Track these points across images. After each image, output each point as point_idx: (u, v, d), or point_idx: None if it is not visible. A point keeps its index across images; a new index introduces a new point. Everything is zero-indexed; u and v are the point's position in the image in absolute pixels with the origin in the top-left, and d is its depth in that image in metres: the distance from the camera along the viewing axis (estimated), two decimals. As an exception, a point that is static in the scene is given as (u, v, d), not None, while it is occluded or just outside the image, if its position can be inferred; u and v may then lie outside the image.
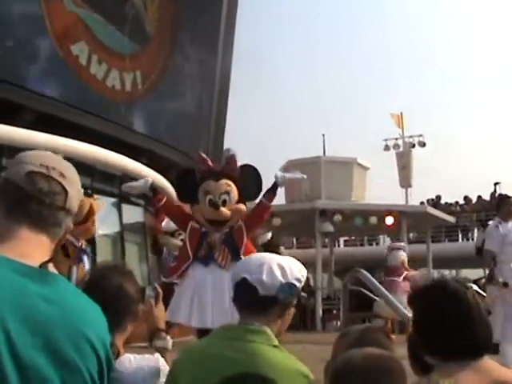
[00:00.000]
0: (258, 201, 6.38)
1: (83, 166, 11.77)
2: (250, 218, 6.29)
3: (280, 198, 19.35)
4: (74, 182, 1.66)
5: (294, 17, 78.39)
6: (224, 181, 6.08)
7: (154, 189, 6.63)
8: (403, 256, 12.88)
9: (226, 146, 19.79)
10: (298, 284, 2.32)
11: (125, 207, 13.43)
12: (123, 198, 13.39)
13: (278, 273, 2.27)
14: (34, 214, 1.57)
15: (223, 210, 6.00)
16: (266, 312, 2.28)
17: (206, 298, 5.74)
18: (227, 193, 6.07)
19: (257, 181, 6.35)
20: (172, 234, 10.90)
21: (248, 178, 6.24)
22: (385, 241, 24.73)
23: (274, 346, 2.23)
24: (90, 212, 6.70)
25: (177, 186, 6.68)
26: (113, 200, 13.38)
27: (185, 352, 2.42)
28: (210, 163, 6.25)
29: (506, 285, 7.32)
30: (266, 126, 66.28)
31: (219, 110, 18.89)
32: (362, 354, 1.92)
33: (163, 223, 9.74)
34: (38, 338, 1.43)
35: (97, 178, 12.60)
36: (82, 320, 1.53)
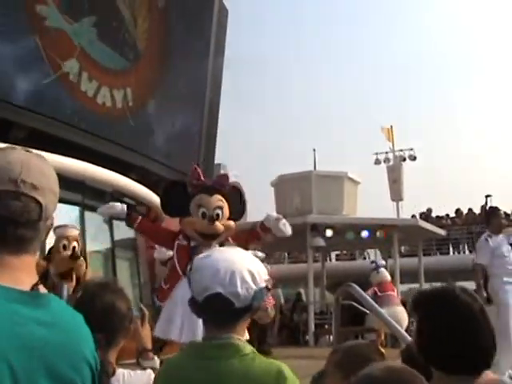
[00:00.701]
0: (253, 228, 6.44)
1: (74, 183, 11.79)
2: (240, 240, 6.30)
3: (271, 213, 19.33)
4: (48, 188, 1.58)
5: (285, 29, 78.76)
6: (217, 196, 6.13)
7: (129, 212, 6.52)
8: (387, 273, 13.26)
9: (216, 161, 19.90)
10: (266, 285, 2.24)
11: (116, 223, 13.41)
12: (114, 215, 13.37)
13: (250, 281, 2.17)
14: (10, 237, 1.51)
15: (217, 223, 6.03)
16: (237, 322, 2.21)
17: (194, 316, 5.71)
18: (220, 208, 6.11)
19: (242, 201, 6.43)
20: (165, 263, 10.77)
21: (234, 198, 6.31)
22: (376, 255, 24.76)
23: (244, 355, 2.15)
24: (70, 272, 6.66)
25: (164, 198, 6.61)
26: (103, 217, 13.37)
27: (162, 372, 2.36)
28: (202, 178, 6.29)
29: (488, 301, 7.32)
30: (257, 140, 66.39)
31: (210, 126, 18.92)
32: (383, 366, 1.90)
33: (155, 253, 9.57)
34: (38, 364, 1.42)
35: (87, 194, 12.59)
36: (78, 339, 1.52)
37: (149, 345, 2.91)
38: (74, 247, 6.80)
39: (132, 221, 6.38)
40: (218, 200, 6.13)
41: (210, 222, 5.98)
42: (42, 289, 1.53)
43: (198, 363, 2.16)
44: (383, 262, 14.04)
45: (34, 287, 1.49)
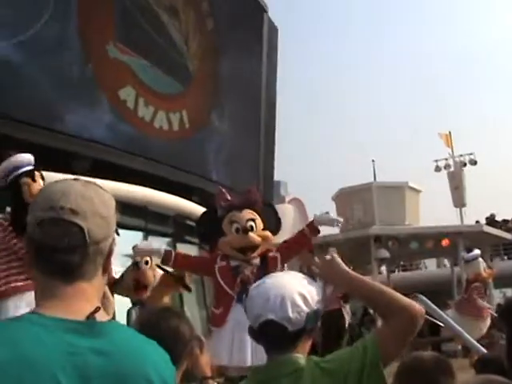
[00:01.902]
0: (300, 232, 6.31)
1: (136, 208, 11.97)
2: (288, 247, 6.22)
3: (334, 228, 19.25)
4: (91, 212, 1.57)
5: (347, 45, 78.63)
6: (247, 210, 6.09)
7: (166, 251, 6.43)
8: (482, 263, 11.73)
9: (276, 178, 19.93)
10: (320, 306, 2.27)
11: (180, 246, 13.52)
12: (177, 237, 13.51)
13: (301, 304, 2.21)
14: (58, 264, 1.52)
15: (252, 234, 5.98)
16: (296, 345, 2.24)
17: (244, 337, 5.60)
18: (252, 220, 6.06)
19: (276, 216, 6.38)
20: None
21: (268, 214, 6.27)
22: (444, 263, 24.39)
23: (300, 367, 2.18)
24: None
25: (198, 229, 6.62)
26: (167, 240, 13.50)
27: None
28: (229, 197, 6.26)
29: None
30: (315, 154, 66.24)
31: (267, 144, 18.96)
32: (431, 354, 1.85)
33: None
34: None
35: (150, 219, 12.75)
36: (142, 366, 1.50)
37: (209, 372, 2.92)
38: (147, 261, 6.89)
39: (167, 260, 6.25)
40: (249, 213, 6.09)
41: (244, 232, 5.94)
42: (101, 316, 1.52)
43: None
44: (470, 255, 12.43)
45: (90, 315, 1.49)
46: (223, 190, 6.40)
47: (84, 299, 1.53)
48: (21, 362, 1.37)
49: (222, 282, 5.94)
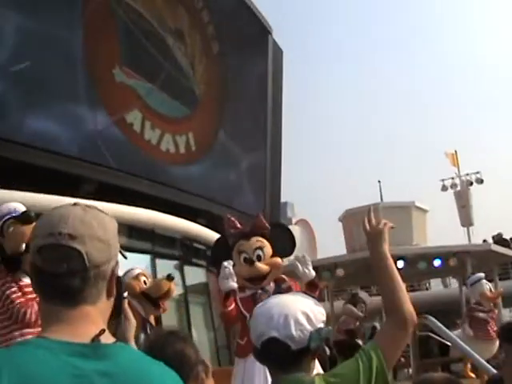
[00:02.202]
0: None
1: (143, 231, 11.99)
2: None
3: (341, 248, 19.27)
4: (89, 235, 1.58)
5: (345, 60, 78.90)
6: (255, 238, 6.06)
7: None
8: (487, 284, 11.50)
9: (283, 199, 19.95)
10: (323, 326, 2.27)
11: (187, 269, 13.54)
12: (185, 260, 13.51)
13: (305, 323, 2.22)
14: (59, 289, 1.54)
15: (258, 264, 5.95)
16: (299, 364, 2.24)
17: (254, 373, 5.55)
18: (260, 248, 6.04)
19: (289, 236, 6.35)
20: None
21: (279, 236, 6.24)
22: (450, 283, 24.29)
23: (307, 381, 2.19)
24: (166, 295, 6.74)
25: (212, 258, 6.61)
26: (175, 262, 13.51)
27: None
28: (238, 225, 6.24)
29: None
30: (321, 176, 66.28)
31: (274, 167, 19.00)
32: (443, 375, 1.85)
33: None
34: None
35: (157, 241, 12.78)
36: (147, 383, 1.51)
37: None
38: (145, 281, 6.90)
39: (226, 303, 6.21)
40: (257, 241, 6.06)
41: (250, 264, 5.93)
42: (106, 338, 1.53)
43: None
44: (474, 277, 12.45)
45: (95, 338, 1.50)
46: (231, 218, 6.38)
47: (89, 322, 1.54)
48: (30, 382, 1.37)
49: (245, 313, 5.89)
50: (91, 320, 1.55)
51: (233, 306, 6.01)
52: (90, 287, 1.57)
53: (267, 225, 6.30)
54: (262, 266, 5.95)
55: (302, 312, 2.24)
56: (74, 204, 1.68)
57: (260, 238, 6.06)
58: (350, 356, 2.27)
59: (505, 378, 2.16)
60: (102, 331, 1.53)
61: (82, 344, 1.48)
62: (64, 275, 1.53)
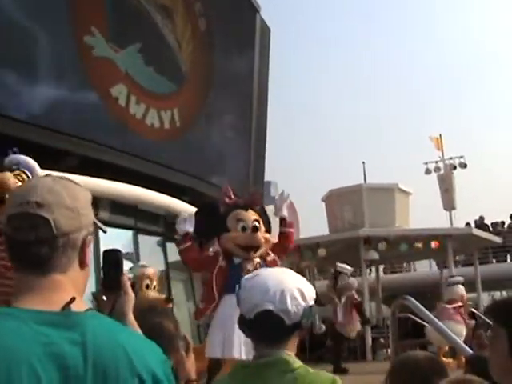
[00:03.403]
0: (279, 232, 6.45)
1: (126, 207, 11.95)
2: (279, 250, 6.32)
3: (324, 229, 19.34)
4: (56, 203, 1.58)
5: (331, 47, 78.73)
6: (251, 211, 6.20)
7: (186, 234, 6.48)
8: (461, 290, 12.51)
9: (266, 179, 19.95)
10: (313, 303, 2.27)
11: (170, 246, 13.53)
12: (167, 237, 13.51)
13: (299, 298, 2.21)
14: (28, 257, 1.54)
15: (259, 234, 6.07)
16: (287, 339, 2.23)
17: (234, 331, 5.66)
18: (257, 221, 6.17)
19: (267, 219, 6.49)
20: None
21: (264, 216, 6.38)
22: (431, 266, 24.48)
23: (295, 369, 2.17)
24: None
25: (201, 221, 6.64)
26: (157, 239, 13.51)
27: None
28: (234, 196, 6.37)
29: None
30: (305, 155, 66.33)
31: (258, 144, 18.99)
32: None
33: None
34: (76, 383, 1.43)
35: (140, 218, 12.75)
36: (119, 351, 1.51)
37: (193, 375, 2.90)
38: (148, 285, 6.98)
39: (185, 241, 6.35)
40: (254, 214, 6.21)
41: (252, 231, 6.01)
42: (78, 306, 1.53)
43: (249, 383, 2.18)
44: (455, 279, 13.34)
45: (65, 306, 1.50)
46: (228, 188, 6.49)
47: (60, 290, 1.55)
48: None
49: (214, 281, 6.00)
50: (62, 288, 1.55)
51: (189, 243, 6.21)
52: (59, 255, 1.57)
53: (262, 203, 6.44)
54: (260, 237, 6.06)
55: (297, 288, 2.23)
56: (46, 175, 1.68)
57: (257, 212, 6.20)
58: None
59: (490, 357, 2.15)
60: (73, 299, 1.53)
61: (52, 312, 1.48)
62: (33, 243, 1.53)
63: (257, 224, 6.15)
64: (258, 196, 6.52)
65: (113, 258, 1.97)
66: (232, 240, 6.11)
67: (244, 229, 6.09)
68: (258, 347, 2.26)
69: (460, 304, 12.12)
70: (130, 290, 1.96)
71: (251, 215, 6.20)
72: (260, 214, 6.29)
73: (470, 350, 5.32)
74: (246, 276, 2.39)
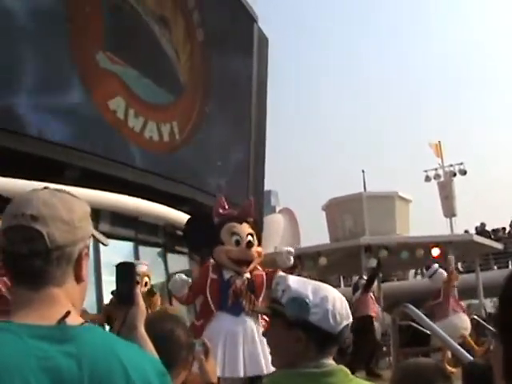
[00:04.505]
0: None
1: (127, 218, 11.96)
2: (270, 277, 6.21)
3: (324, 237, 19.34)
4: (51, 217, 1.56)
5: (333, 53, 78.88)
6: (246, 224, 6.16)
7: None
8: (442, 276, 12.15)
9: (266, 188, 19.95)
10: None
11: (170, 256, 13.54)
12: (168, 248, 13.51)
13: (346, 313, 2.16)
14: (22, 270, 1.54)
15: (253, 249, 6.04)
16: (334, 349, 2.18)
17: (237, 349, 5.64)
18: (251, 235, 6.13)
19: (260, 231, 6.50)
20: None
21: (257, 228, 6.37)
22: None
23: (352, 380, 2.12)
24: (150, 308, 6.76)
25: (188, 233, 6.62)
26: (158, 250, 13.50)
27: None
28: (228, 208, 6.33)
29: None
30: (306, 166, 66.41)
31: (257, 154, 18.99)
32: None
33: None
34: None
35: (141, 229, 12.75)
36: (115, 364, 1.50)
37: (214, 380, 2.88)
38: (146, 282, 6.91)
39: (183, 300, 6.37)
40: (249, 228, 6.16)
41: (247, 247, 5.98)
42: (74, 319, 1.53)
43: None
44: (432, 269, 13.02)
45: (61, 320, 1.50)
46: (223, 199, 6.45)
47: (55, 304, 1.54)
48: None
49: (209, 296, 5.94)
50: (57, 302, 1.55)
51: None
52: (53, 269, 1.55)
53: (253, 214, 6.41)
54: (254, 252, 6.03)
55: (344, 302, 2.19)
56: (44, 188, 1.67)
57: (249, 225, 6.16)
58: None
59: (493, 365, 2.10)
60: (68, 313, 1.52)
61: (48, 326, 1.47)
62: (27, 256, 1.52)
63: (251, 239, 6.10)
64: (251, 207, 6.47)
65: (126, 271, 1.96)
66: (225, 253, 6.06)
67: (238, 242, 6.04)
68: (310, 355, 2.15)
69: (444, 287, 11.84)
70: (141, 303, 1.96)
71: (246, 229, 6.13)
72: (253, 227, 6.25)
73: (470, 357, 5.31)
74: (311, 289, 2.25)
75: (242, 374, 5.54)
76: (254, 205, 6.65)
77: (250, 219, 6.26)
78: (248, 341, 5.69)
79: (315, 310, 2.12)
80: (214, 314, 5.84)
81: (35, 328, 1.46)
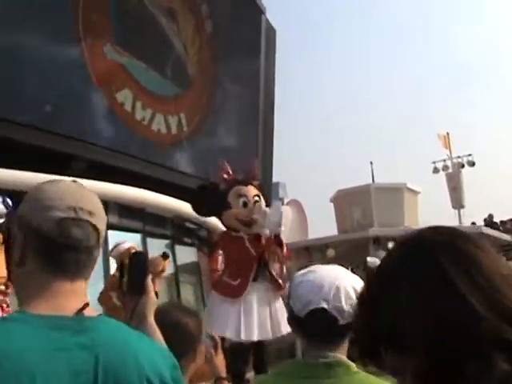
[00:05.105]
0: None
1: (134, 210, 11.94)
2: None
3: (332, 229, 19.29)
4: (100, 215, 1.61)
5: (338, 43, 78.69)
6: (252, 186, 6.18)
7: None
8: None
9: (274, 179, 19.92)
10: None
11: (178, 248, 13.52)
12: (176, 240, 13.49)
13: (354, 297, 2.04)
14: (70, 263, 1.54)
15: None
16: (341, 340, 2.10)
17: (253, 315, 5.71)
18: (258, 196, 6.15)
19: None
20: None
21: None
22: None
23: (355, 373, 2.03)
24: (160, 273, 6.75)
25: (196, 202, 6.60)
26: (166, 242, 13.48)
27: None
28: (232, 173, 6.35)
29: None
30: (314, 157, 66.30)
31: (265, 145, 18.95)
32: None
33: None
34: None
35: (148, 221, 12.73)
36: (129, 356, 1.51)
37: (223, 373, 2.87)
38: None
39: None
40: (255, 189, 6.18)
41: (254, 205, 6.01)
42: (90, 311, 1.54)
43: (302, 382, 2.06)
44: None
45: (79, 312, 1.51)
46: (226, 164, 6.48)
47: (79, 296, 1.55)
48: (9, 359, 1.36)
49: (251, 251, 5.95)
50: (81, 294, 1.57)
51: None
52: (91, 264, 1.59)
53: (258, 177, 6.44)
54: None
55: (352, 286, 2.10)
56: (73, 181, 1.68)
57: (256, 187, 6.20)
58: None
59: None
60: (86, 305, 1.53)
61: (65, 317, 1.47)
62: (80, 251, 1.54)
63: (257, 199, 6.14)
64: (255, 169, 6.52)
65: (139, 261, 1.98)
66: (234, 215, 6.09)
67: (245, 204, 6.07)
68: (311, 347, 2.14)
69: None
70: (152, 293, 1.96)
71: (252, 190, 6.19)
72: (259, 188, 6.27)
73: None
74: (299, 273, 2.25)
75: (255, 339, 5.63)
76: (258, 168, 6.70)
77: (255, 182, 6.29)
78: (261, 306, 5.76)
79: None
80: (251, 272, 5.88)
81: (52, 319, 1.46)
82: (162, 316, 2.64)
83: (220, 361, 2.86)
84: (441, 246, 1.16)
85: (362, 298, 1.21)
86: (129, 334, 1.58)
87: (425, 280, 1.11)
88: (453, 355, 1.04)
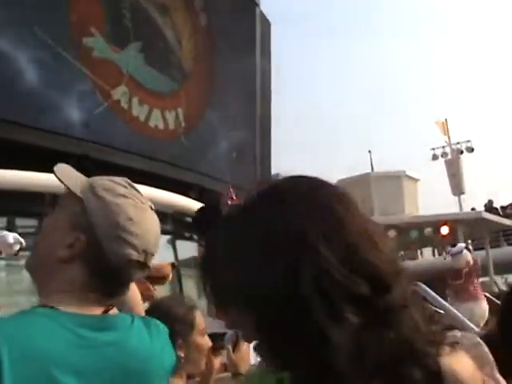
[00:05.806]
0: None
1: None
2: None
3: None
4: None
5: (332, 31, 78.57)
6: None
7: None
8: (466, 257, 11.88)
9: (273, 172, 19.90)
10: None
11: (179, 243, 13.54)
12: (177, 235, 13.51)
13: None
14: (113, 293, 1.61)
15: None
16: None
17: None
18: None
19: None
20: None
21: None
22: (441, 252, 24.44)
23: None
24: (163, 279, 6.74)
25: (197, 223, 6.62)
26: (167, 237, 13.49)
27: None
28: (236, 199, 6.33)
29: None
30: (312, 147, 66.38)
31: (263, 137, 18.95)
32: None
33: None
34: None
35: (149, 216, 12.74)
36: (144, 357, 1.55)
37: (242, 369, 2.86)
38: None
39: None
40: None
41: None
42: (114, 310, 1.59)
43: None
44: (455, 248, 12.72)
45: (106, 311, 1.56)
46: (231, 190, 6.45)
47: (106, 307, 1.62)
48: (34, 355, 1.38)
49: None
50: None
51: None
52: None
53: None
54: None
55: None
56: (150, 207, 1.89)
57: None
58: None
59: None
60: (111, 307, 1.59)
61: (90, 316, 1.51)
62: (125, 286, 1.65)
63: None
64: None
65: None
66: None
67: None
68: None
69: (466, 269, 11.63)
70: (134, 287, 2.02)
71: None
72: None
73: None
74: None
75: None
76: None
77: None
78: None
79: None
80: None
81: (77, 316, 1.49)
82: (155, 306, 2.67)
83: (239, 358, 2.85)
84: (297, 199, 1.14)
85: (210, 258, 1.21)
86: (142, 331, 1.63)
87: (273, 234, 1.09)
88: (299, 308, 1.03)
